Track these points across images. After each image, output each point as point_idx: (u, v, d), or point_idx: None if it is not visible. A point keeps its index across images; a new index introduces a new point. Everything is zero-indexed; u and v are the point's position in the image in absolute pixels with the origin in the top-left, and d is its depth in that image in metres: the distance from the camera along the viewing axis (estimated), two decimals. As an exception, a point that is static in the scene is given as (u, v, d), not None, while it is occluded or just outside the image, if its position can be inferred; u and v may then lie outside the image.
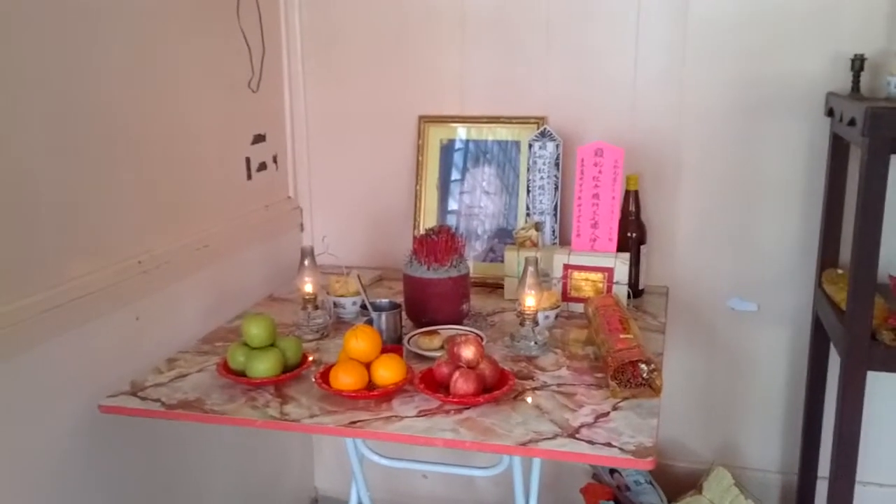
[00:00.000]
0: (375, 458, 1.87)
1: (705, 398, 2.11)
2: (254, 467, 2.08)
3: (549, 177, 1.98)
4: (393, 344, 1.58)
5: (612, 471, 2.05)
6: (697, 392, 2.11)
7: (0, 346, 1.27)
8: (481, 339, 1.58)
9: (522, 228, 1.95)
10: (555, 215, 2.00)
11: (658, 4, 1.92)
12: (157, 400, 1.40)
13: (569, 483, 2.17)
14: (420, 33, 2.08)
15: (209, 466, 1.88)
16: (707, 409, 2.12)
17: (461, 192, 2.11)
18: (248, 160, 2.02)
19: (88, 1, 1.45)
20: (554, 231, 2.00)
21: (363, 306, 1.65)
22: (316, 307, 1.71)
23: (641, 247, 1.93)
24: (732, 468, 2.03)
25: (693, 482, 2.07)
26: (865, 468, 1.88)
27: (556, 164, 1.97)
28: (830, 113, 1.81)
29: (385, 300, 1.68)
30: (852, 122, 1.56)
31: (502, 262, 1.99)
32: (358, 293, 1.76)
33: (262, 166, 2.08)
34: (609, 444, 1.23)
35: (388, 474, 2.14)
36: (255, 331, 1.46)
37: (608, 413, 1.33)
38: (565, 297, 1.84)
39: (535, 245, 1.92)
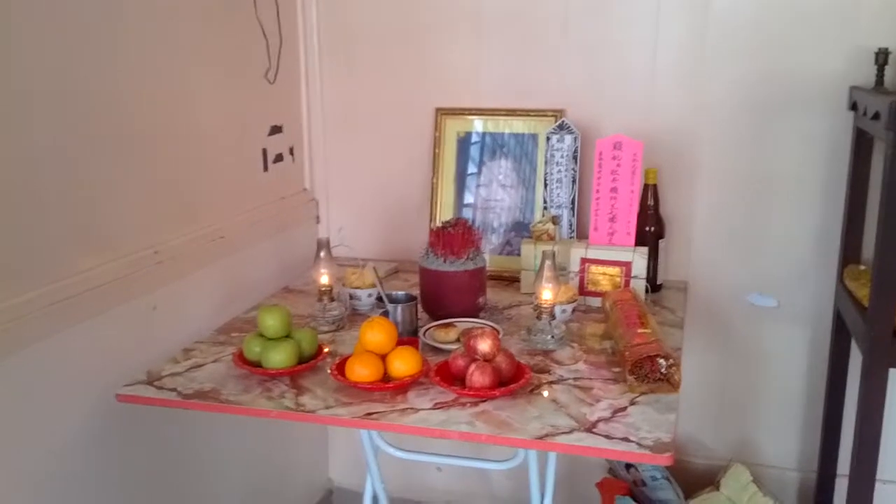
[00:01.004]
0: (391, 450, 1.86)
1: (723, 394, 2.09)
2: (268, 458, 2.09)
3: (566, 170, 1.97)
4: (409, 336, 1.57)
5: (629, 466, 2.04)
6: (715, 388, 2.09)
7: (14, 336, 1.27)
8: (498, 332, 1.57)
9: (539, 222, 1.94)
10: (572, 209, 1.98)
11: (678, -2, 1.90)
12: (174, 389, 1.40)
13: (584, 477, 2.15)
14: (437, 25, 2.07)
15: (223, 457, 1.88)
16: (725, 405, 2.10)
17: (478, 186, 2.10)
18: (264, 151, 2.02)
19: (106, -10, 1.45)
20: (571, 225, 1.99)
21: (379, 298, 1.64)
22: (332, 299, 1.71)
23: (660, 241, 1.92)
24: (750, 465, 2.01)
25: (710, 479, 2.05)
26: (885, 466, 1.86)
27: (574, 158, 1.96)
28: (854, 107, 1.78)
29: (401, 292, 1.68)
30: (876, 116, 1.54)
31: (519, 255, 1.97)
32: (374, 285, 1.75)
33: (279, 158, 2.08)
34: (626, 439, 1.22)
35: (402, 467, 2.14)
36: (271, 322, 1.46)
37: (626, 408, 1.32)
38: (582, 291, 1.82)
39: (552, 238, 1.90)
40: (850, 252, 1.85)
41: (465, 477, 2.31)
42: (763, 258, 1.98)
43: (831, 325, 1.94)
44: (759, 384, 2.06)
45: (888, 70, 1.73)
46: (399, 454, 1.87)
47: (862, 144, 1.80)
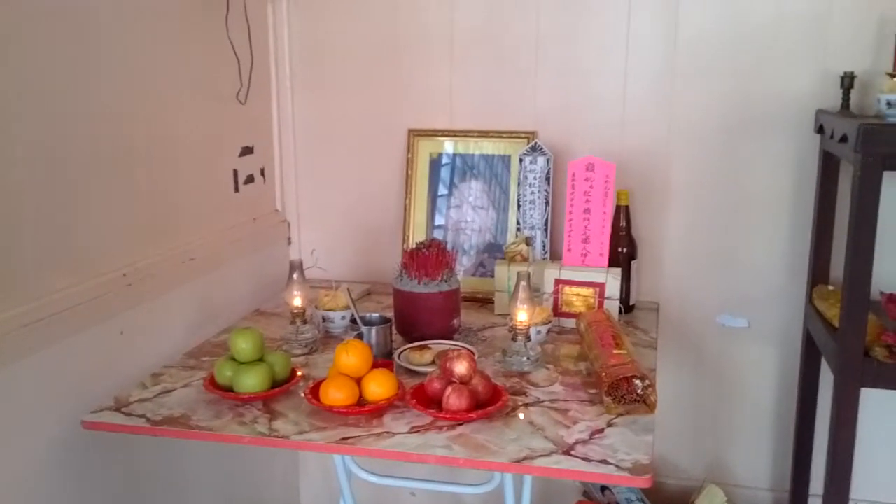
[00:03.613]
0: (364, 475, 1.84)
1: (696, 415, 2.10)
2: (239, 483, 2.04)
3: (539, 191, 1.97)
4: (383, 359, 1.56)
5: (604, 488, 2.03)
6: (688, 409, 2.10)
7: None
8: (473, 354, 1.55)
9: (513, 243, 1.94)
10: (545, 230, 1.99)
11: (648, 22, 1.93)
12: (142, 416, 1.37)
13: (559, 500, 2.14)
14: (410, 47, 2.07)
15: (192, 482, 1.84)
16: (697, 425, 2.10)
17: (448, 207, 2.10)
18: (235, 172, 1.99)
19: (75, 11, 1.43)
20: (545, 246, 1.99)
21: (353, 320, 1.62)
22: (304, 321, 1.69)
23: (632, 262, 1.93)
24: (723, 486, 2.01)
25: (684, 500, 2.05)
26: (857, 485, 1.88)
27: (547, 179, 1.96)
28: (821, 130, 1.81)
29: (375, 314, 1.66)
30: (844, 139, 1.56)
31: (491, 277, 1.97)
32: (347, 307, 1.74)
33: (250, 179, 2.06)
34: (605, 462, 1.21)
35: (375, 491, 2.11)
36: (243, 345, 1.44)
37: (603, 429, 1.32)
38: (556, 312, 1.82)
39: (525, 260, 1.90)
40: (818, 273, 1.88)
41: (440, 502, 2.28)
42: (733, 279, 2.00)
43: (801, 344, 1.96)
44: (731, 404, 2.07)
45: (853, 93, 1.77)
46: (373, 479, 1.84)
47: (828, 166, 1.83)
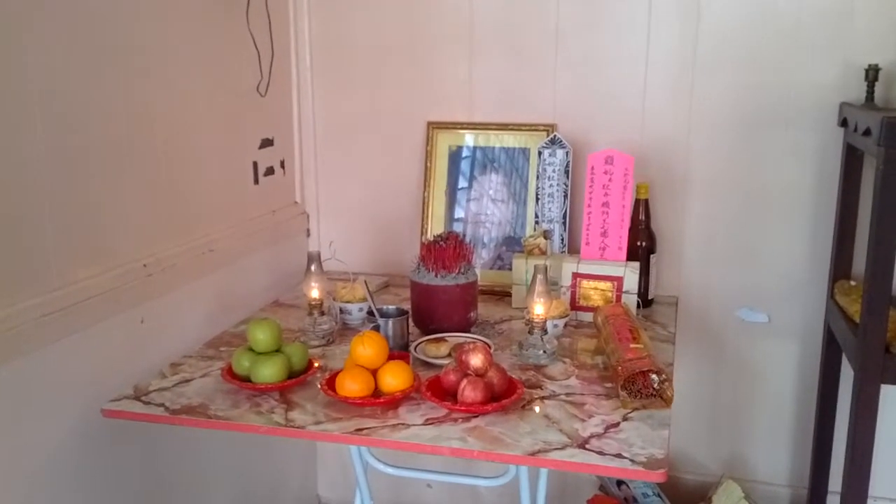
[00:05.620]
0: (380, 466, 1.85)
1: (714, 410, 2.09)
2: (256, 474, 2.06)
3: (558, 184, 1.97)
4: (399, 351, 1.56)
5: (620, 482, 2.03)
6: (706, 403, 2.09)
7: (2, 349, 1.25)
8: (489, 347, 1.56)
9: (531, 236, 1.93)
10: (564, 223, 1.98)
11: (669, 13, 1.91)
12: (161, 405, 1.38)
13: (575, 494, 2.14)
14: (429, 39, 2.07)
15: (211, 473, 1.86)
16: (716, 420, 2.09)
17: (468, 200, 2.10)
18: (255, 164, 2.01)
19: (95, 4, 1.44)
20: (563, 239, 1.98)
21: (370, 312, 1.63)
22: (322, 313, 1.70)
23: (651, 256, 1.91)
24: (741, 481, 2.00)
25: (701, 495, 2.05)
26: (877, 483, 1.85)
27: (566, 172, 1.96)
28: (844, 123, 1.79)
29: (392, 306, 1.66)
30: (867, 132, 1.54)
31: (509, 270, 1.97)
32: (364, 299, 1.74)
33: (270, 171, 2.07)
34: (619, 455, 1.21)
35: (391, 482, 2.12)
36: (261, 336, 1.45)
37: (618, 423, 1.31)
38: (574, 305, 1.82)
39: (543, 253, 1.90)
40: (840, 267, 1.86)
41: (456, 493, 2.29)
42: (754, 273, 1.98)
43: (822, 340, 1.94)
44: (750, 400, 2.06)
45: (878, 86, 1.74)
46: (389, 470, 1.85)
47: (852, 160, 1.80)
